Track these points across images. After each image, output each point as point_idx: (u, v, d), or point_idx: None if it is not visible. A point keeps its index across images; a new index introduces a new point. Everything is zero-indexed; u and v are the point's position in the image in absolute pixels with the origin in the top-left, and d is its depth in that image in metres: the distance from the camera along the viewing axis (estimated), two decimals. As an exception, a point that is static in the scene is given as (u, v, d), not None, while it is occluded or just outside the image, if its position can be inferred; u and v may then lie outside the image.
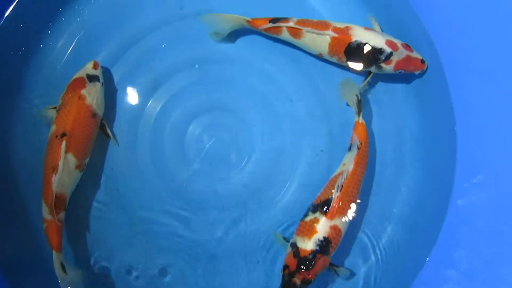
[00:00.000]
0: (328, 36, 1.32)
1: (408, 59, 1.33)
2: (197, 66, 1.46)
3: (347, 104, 1.38)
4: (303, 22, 1.35)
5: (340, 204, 1.24)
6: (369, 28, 1.36)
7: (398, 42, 1.33)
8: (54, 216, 1.22)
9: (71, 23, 1.46)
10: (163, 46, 1.47)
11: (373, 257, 1.38)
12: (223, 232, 1.40)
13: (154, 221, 1.40)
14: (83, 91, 1.29)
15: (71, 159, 1.26)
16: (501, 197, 1.23)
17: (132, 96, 1.45)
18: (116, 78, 1.46)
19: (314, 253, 1.22)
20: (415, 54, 1.34)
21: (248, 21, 1.38)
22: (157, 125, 1.44)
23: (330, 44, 1.33)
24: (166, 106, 1.45)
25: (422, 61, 1.34)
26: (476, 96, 1.31)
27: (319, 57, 1.42)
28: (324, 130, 1.45)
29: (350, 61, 1.36)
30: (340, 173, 1.27)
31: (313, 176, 1.42)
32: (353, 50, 1.32)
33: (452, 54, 1.35)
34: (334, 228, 1.24)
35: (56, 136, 1.26)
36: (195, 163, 1.43)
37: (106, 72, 1.43)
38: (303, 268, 1.22)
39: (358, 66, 1.37)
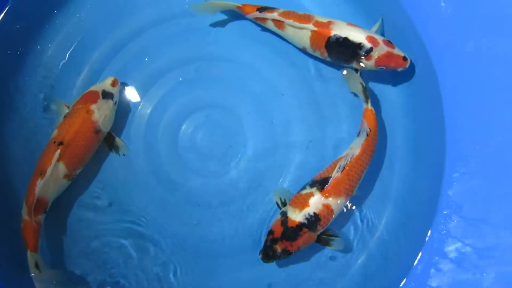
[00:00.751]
0: (309, 30, 1.33)
1: (389, 55, 1.31)
2: (190, 65, 1.48)
3: (355, 95, 1.39)
4: (287, 14, 1.37)
5: (338, 185, 1.25)
6: (352, 24, 1.35)
7: (379, 38, 1.32)
8: (31, 218, 1.22)
9: (67, 24, 1.48)
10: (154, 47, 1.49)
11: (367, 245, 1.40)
12: (221, 228, 1.41)
13: (150, 222, 1.41)
14: (93, 106, 1.29)
15: (61, 168, 1.26)
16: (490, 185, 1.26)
17: (126, 95, 1.46)
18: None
19: (301, 225, 1.23)
20: (397, 51, 1.32)
21: (238, 7, 1.40)
22: (150, 124, 1.45)
23: (311, 38, 1.34)
24: (158, 105, 1.46)
25: (404, 58, 1.32)
26: (464, 90, 1.34)
27: (305, 51, 1.43)
28: (314, 121, 1.46)
29: (331, 55, 1.36)
30: (345, 156, 1.28)
31: (307, 166, 1.43)
32: (333, 45, 1.32)
33: (440, 45, 1.37)
34: (326, 206, 1.24)
35: (54, 142, 1.27)
36: (189, 161, 1.44)
37: (123, 86, 1.44)
38: (287, 238, 1.23)
39: (339, 61, 1.37)
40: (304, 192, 1.27)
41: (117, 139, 1.38)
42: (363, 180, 1.31)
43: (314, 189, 1.25)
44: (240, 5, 1.40)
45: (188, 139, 1.45)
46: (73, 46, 1.48)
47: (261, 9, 1.39)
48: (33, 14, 1.47)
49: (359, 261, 1.39)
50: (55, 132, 1.29)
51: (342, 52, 1.33)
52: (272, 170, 1.44)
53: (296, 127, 1.46)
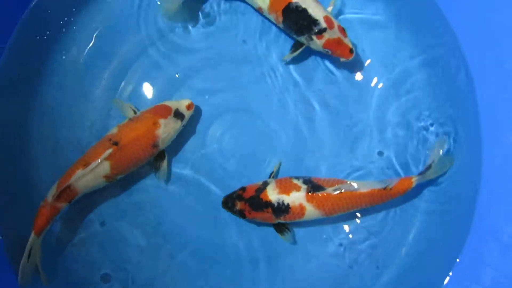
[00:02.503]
0: None
1: (338, 41, 1.31)
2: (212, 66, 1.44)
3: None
4: None
5: (324, 200, 1.22)
6: (317, 0, 1.34)
7: (336, 23, 1.32)
8: (53, 200, 1.20)
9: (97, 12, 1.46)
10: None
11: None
12: (249, 233, 1.37)
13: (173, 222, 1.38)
14: (161, 120, 1.27)
15: (106, 167, 1.23)
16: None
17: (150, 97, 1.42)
18: (134, 78, 1.43)
19: (268, 204, 1.24)
20: (346, 41, 1.32)
21: None
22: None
23: (270, 1, 1.32)
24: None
25: (351, 51, 1.32)
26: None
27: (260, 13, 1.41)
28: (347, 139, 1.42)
29: (285, 22, 1.34)
30: (350, 183, 1.25)
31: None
32: (291, 12, 1.31)
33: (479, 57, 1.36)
34: (301, 207, 1.23)
35: (110, 140, 1.24)
36: (217, 165, 1.40)
37: (196, 110, 1.39)
38: (250, 204, 1.24)
39: (290, 30, 1.35)
40: (294, 181, 1.26)
41: (165, 162, 1.33)
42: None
43: (303, 186, 1.24)
44: None
45: (216, 142, 1.41)
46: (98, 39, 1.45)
47: None
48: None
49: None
50: (115, 130, 1.26)
51: (296, 22, 1.32)
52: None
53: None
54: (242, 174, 1.38)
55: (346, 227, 1.37)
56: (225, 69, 1.44)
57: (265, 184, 1.27)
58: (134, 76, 1.43)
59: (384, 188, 1.24)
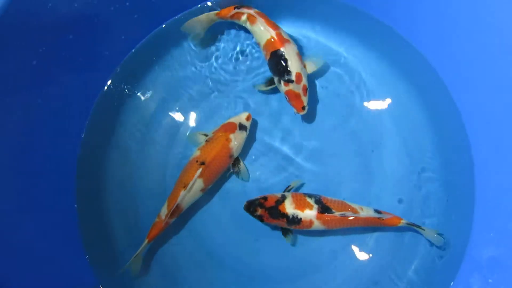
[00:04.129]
0: (270, 34, 1.56)
1: (297, 96, 1.55)
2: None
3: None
4: (260, 14, 1.60)
5: (330, 221, 1.46)
6: (300, 56, 1.57)
7: (304, 82, 1.54)
8: (166, 219, 1.48)
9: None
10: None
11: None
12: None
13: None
14: (231, 135, 1.54)
15: (200, 183, 1.50)
16: None
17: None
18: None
19: (284, 215, 1.47)
20: (304, 99, 1.55)
21: (217, 13, 1.61)
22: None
23: (267, 41, 1.57)
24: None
25: (303, 108, 1.55)
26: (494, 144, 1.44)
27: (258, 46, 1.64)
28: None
29: (269, 61, 1.58)
30: (354, 210, 1.46)
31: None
32: (276, 56, 1.55)
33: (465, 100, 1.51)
34: (310, 222, 1.47)
35: (197, 161, 1.51)
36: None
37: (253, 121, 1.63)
38: (269, 212, 1.47)
39: (270, 68, 1.59)
40: (308, 199, 1.48)
41: (242, 164, 1.60)
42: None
43: (315, 206, 1.46)
44: (218, 11, 1.62)
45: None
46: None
47: (238, 7, 1.61)
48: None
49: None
50: (198, 153, 1.53)
51: (276, 65, 1.56)
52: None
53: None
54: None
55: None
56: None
57: (283, 197, 1.48)
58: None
59: (378, 218, 1.46)
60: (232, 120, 1.58)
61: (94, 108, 1.62)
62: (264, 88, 1.62)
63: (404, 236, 1.54)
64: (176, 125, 1.65)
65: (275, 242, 1.55)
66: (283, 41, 1.55)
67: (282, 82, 1.55)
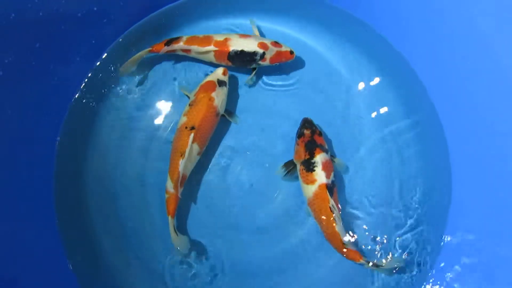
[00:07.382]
0: (211, 50, 1.57)
1: (278, 53, 1.58)
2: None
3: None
4: (191, 41, 1.59)
5: (321, 196, 1.44)
6: (245, 35, 1.60)
7: (268, 42, 1.57)
8: (176, 191, 1.48)
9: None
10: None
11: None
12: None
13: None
14: (213, 94, 1.54)
15: (195, 147, 1.51)
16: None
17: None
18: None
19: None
20: (284, 48, 1.58)
21: (150, 50, 1.60)
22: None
23: (215, 56, 1.59)
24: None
25: (291, 52, 1.58)
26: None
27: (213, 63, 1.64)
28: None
29: (235, 63, 1.61)
30: (336, 216, 1.42)
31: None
32: (234, 57, 1.58)
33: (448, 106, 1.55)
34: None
35: (186, 128, 1.50)
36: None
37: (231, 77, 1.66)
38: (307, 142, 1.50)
39: (242, 66, 1.62)
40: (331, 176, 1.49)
41: (231, 114, 1.63)
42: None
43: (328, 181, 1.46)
44: (151, 48, 1.60)
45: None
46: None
47: (168, 42, 1.59)
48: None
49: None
50: (184, 119, 1.52)
51: (242, 60, 1.59)
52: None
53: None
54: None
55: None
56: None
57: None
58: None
59: (343, 243, 1.43)
60: (209, 78, 1.58)
61: (67, 115, 1.61)
62: (251, 77, 1.62)
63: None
64: (155, 123, 1.65)
65: (258, 237, 1.57)
66: (224, 42, 1.57)
67: (260, 62, 1.57)
